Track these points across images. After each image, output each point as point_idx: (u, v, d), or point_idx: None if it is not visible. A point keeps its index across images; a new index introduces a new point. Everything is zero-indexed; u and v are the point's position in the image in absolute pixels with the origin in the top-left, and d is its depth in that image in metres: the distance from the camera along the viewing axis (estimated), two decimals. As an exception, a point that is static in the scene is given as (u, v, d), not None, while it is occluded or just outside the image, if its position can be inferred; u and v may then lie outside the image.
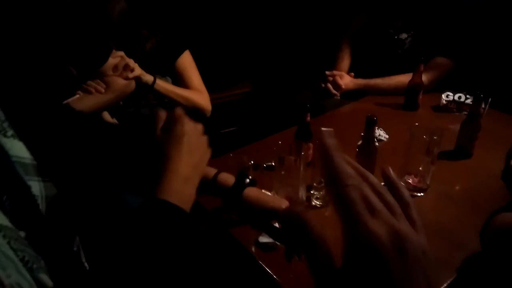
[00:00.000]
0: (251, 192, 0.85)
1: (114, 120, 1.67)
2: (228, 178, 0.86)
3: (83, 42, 1.34)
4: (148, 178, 0.64)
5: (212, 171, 0.85)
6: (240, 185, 0.85)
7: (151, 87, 1.58)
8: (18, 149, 0.59)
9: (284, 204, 0.83)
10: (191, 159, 0.66)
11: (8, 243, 0.48)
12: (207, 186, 0.84)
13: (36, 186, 0.60)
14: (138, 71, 1.51)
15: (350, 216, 0.33)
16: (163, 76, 1.73)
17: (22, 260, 0.49)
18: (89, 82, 1.38)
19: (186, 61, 1.74)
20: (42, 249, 0.55)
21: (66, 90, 1.37)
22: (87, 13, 1.47)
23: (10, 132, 0.59)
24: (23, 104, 0.67)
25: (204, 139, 0.73)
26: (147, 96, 1.67)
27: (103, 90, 1.38)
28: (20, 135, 0.61)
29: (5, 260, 0.46)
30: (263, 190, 1.20)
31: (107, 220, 1.39)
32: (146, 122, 0.74)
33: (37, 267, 0.51)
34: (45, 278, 0.51)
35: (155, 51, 1.69)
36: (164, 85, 1.64)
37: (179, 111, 0.70)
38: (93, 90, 1.36)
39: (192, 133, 0.69)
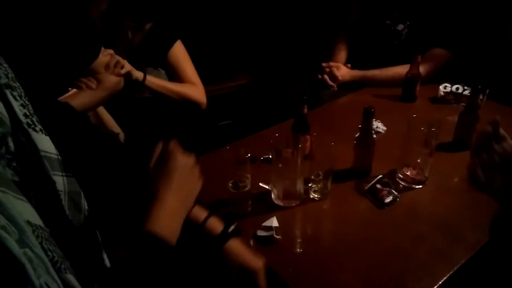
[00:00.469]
0: (233, 246, 0.86)
1: (110, 119, 1.64)
2: (215, 226, 0.86)
3: (73, 40, 1.32)
4: (137, 209, 0.66)
5: (202, 215, 0.85)
6: (224, 236, 0.85)
7: (141, 83, 1.57)
8: (46, 144, 0.60)
9: (261, 264, 0.85)
10: (180, 194, 0.69)
11: (40, 243, 0.49)
12: (195, 230, 0.84)
13: (60, 182, 0.61)
14: (128, 67, 1.49)
15: None
16: (155, 68, 1.70)
17: (51, 260, 0.50)
18: (81, 79, 1.36)
19: (179, 52, 1.71)
20: (65, 247, 0.56)
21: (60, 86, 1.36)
22: (75, 12, 1.45)
23: (38, 127, 0.60)
24: (45, 100, 0.69)
25: (195, 172, 0.76)
26: (141, 88, 1.65)
27: (94, 86, 1.37)
28: (46, 130, 0.62)
29: (37, 260, 0.46)
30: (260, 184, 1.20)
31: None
32: (141, 154, 0.77)
33: (64, 267, 0.52)
34: (71, 278, 0.52)
35: (146, 43, 1.67)
36: (155, 81, 1.61)
37: (172, 145, 0.74)
38: (84, 86, 1.35)
39: (183, 168, 0.72)
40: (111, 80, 1.42)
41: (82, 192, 0.66)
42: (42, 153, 0.58)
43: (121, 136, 1.66)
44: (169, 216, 0.66)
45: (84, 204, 0.66)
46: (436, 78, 1.83)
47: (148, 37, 1.67)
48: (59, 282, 0.49)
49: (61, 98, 1.33)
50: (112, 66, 1.43)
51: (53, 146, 0.61)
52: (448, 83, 1.73)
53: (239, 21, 2.67)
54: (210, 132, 2.03)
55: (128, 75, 1.50)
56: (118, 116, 1.67)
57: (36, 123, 0.60)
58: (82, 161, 0.75)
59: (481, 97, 1.60)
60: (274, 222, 1.07)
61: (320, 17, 2.60)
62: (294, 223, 1.14)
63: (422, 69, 1.74)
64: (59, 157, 0.61)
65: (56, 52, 1.34)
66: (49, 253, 0.49)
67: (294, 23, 2.71)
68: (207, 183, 1.27)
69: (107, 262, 0.69)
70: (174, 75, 1.72)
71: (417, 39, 1.86)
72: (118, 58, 1.46)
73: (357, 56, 2.04)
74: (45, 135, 0.60)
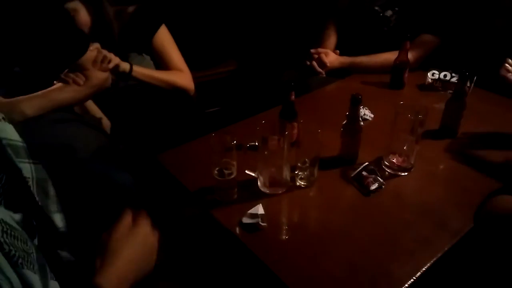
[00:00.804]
0: None
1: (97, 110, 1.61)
2: None
3: (61, 34, 1.28)
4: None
5: None
6: None
7: (128, 74, 1.54)
8: (9, 132, 0.60)
9: None
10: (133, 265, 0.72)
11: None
12: None
13: (27, 168, 0.60)
14: (115, 60, 1.46)
15: None
16: (139, 53, 1.66)
17: (7, 254, 0.49)
18: (68, 73, 1.33)
19: (164, 38, 1.67)
20: (33, 231, 0.56)
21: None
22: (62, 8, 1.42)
23: (1, 115, 0.60)
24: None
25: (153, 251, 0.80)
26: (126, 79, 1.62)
27: (81, 83, 1.33)
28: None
29: None
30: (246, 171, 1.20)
31: (95, 197, 1.38)
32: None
33: (22, 262, 0.51)
34: (29, 274, 0.51)
35: (129, 27, 1.63)
36: (141, 71, 1.58)
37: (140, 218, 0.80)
38: (71, 81, 1.32)
39: (144, 246, 0.78)
40: (99, 77, 1.38)
41: (49, 179, 0.65)
42: (5, 141, 0.58)
43: (107, 124, 1.64)
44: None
45: (52, 190, 0.65)
46: (424, 65, 1.82)
47: (131, 21, 1.63)
48: (15, 279, 0.48)
49: (45, 91, 1.30)
50: (99, 61, 1.39)
51: (17, 134, 0.61)
52: (436, 70, 1.73)
53: (227, 6, 2.63)
54: (198, 119, 2.01)
55: (115, 68, 1.47)
56: (104, 104, 1.64)
57: None
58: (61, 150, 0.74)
59: (468, 84, 1.60)
60: (259, 209, 1.07)
61: (309, 3, 2.57)
62: (280, 210, 1.14)
63: (410, 55, 1.73)
64: (24, 144, 0.61)
65: (44, 46, 1.30)
66: (5, 247, 0.49)
67: (283, 8, 2.68)
68: (193, 170, 1.27)
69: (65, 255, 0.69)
70: (160, 61, 1.69)
71: (406, 25, 1.85)
72: (105, 52, 1.42)
73: (346, 43, 2.03)
74: (8, 123, 0.60)
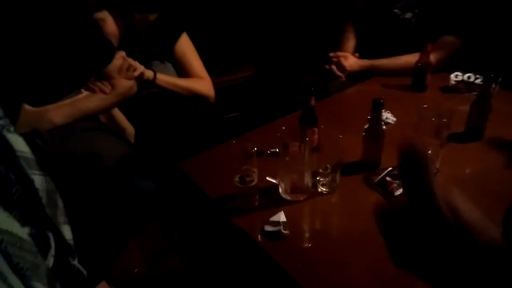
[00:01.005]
0: None
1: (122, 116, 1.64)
2: None
3: (88, 43, 1.31)
4: None
5: None
6: None
7: (152, 82, 1.55)
8: (20, 144, 0.60)
9: None
10: None
11: (5, 248, 0.48)
12: None
13: (38, 180, 0.61)
14: (140, 69, 1.48)
15: None
16: (161, 62, 1.68)
17: (15, 267, 0.48)
18: (95, 82, 1.35)
19: (185, 46, 1.68)
20: (47, 243, 0.56)
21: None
22: (89, 14, 1.44)
23: (12, 128, 0.60)
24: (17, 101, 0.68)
25: None
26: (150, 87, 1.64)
27: (107, 91, 1.36)
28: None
29: None
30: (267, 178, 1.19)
31: (120, 204, 1.40)
32: None
33: (30, 274, 0.51)
34: (38, 286, 0.51)
35: (151, 36, 1.65)
36: (164, 78, 1.60)
37: None
38: (97, 90, 1.34)
39: None
40: (125, 86, 1.41)
41: (57, 191, 0.66)
42: (18, 153, 0.59)
43: (132, 132, 1.66)
44: None
45: (60, 202, 0.66)
46: (447, 67, 1.79)
47: (153, 29, 1.65)
48: None
49: (72, 100, 1.34)
50: (125, 70, 1.41)
51: (26, 146, 0.61)
52: (460, 72, 1.69)
53: (246, 11, 2.64)
54: (217, 125, 2.02)
55: (140, 76, 1.49)
56: (127, 112, 1.66)
57: (9, 124, 0.60)
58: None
59: (493, 85, 1.56)
60: (281, 217, 1.06)
61: (327, 6, 2.55)
62: (302, 217, 1.13)
63: (432, 57, 1.70)
64: (33, 156, 0.62)
65: (71, 55, 1.33)
66: (14, 259, 0.48)
67: (301, 12, 2.67)
68: (214, 177, 1.27)
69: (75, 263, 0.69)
70: (181, 69, 1.70)
71: (426, 27, 1.82)
72: (130, 61, 1.45)
73: (365, 46, 2.00)
74: (18, 135, 0.61)
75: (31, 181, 0.59)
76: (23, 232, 0.52)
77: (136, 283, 1.72)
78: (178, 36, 1.66)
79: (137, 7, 1.62)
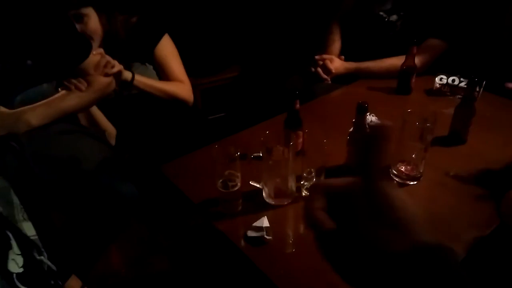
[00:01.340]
0: None
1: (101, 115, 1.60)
2: None
3: (63, 38, 1.27)
4: None
5: None
6: None
7: (130, 83, 1.53)
8: None
9: None
10: None
11: None
12: None
13: None
14: (118, 67, 1.45)
15: None
16: (142, 63, 1.65)
17: None
18: (70, 79, 1.32)
19: (166, 48, 1.66)
20: (7, 241, 0.55)
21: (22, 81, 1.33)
22: (65, 9, 1.41)
23: None
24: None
25: None
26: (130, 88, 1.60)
27: (83, 88, 1.32)
28: None
29: None
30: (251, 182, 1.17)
31: (100, 207, 1.37)
32: None
33: None
34: None
35: (132, 37, 1.62)
36: (143, 80, 1.57)
37: None
38: (73, 88, 1.31)
39: None
40: (102, 82, 1.37)
41: (11, 188, 0.63)
42: None
43: (113, 133, 1.63)
44: None
45: (16, 199, 0.63)
46: (432, 70, 1.79)
47: (134, 31, 1.62)
48: None
49: (48, 100, 1.30)
50: (102, 66, 1.38)
51: None
52: (444, 75, 1.69)
53: (231, 12, 2.62)
54: (202, 126, 2.00)
55: (118, 75, 1.46)
56: (109, 113, 1.63)
57: None
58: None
59: (477, 89, 1.57)
60: (264, 222, 1.04)
61: (313, 8, 2.55)
62: (286, 222, 1.11)
63: (417, 60, 1.70)
64: None
65: (46, 50, 1.30)
66: None
67: (287, 14, 2.66)
68: (197, 181, 1.25)
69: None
70: (161, 72, 1.68)
71: (412, 30, 1.82)
72: (108, 58, 1.42)
73: (351, 48, 2.00)
74: None
75: None
76: None
77: (119, 286, 1.69)
78: (159, 38, 1.64)
79: (120, 8, 1.59)
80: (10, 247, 0.58)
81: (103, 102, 1.55)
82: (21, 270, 0.60)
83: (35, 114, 1.23)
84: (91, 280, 1.40)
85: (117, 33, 1.56)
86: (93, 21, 1.50)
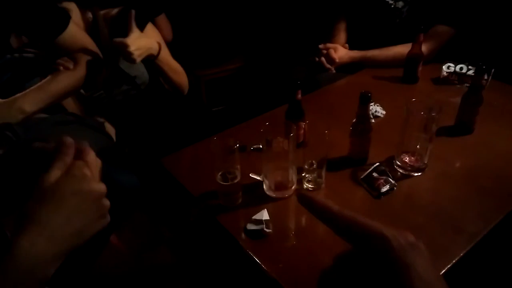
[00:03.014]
0: None
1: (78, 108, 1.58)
2: None
3: (39, 10, 1.25)
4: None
5: None
6: None
7: (154, 58, 1.48)
8: None
9: None
10: (70, 226, 0.57)
11: None
12: None
13: None
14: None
15: None
16: None
17: None
18: (57, 61, 1.31)
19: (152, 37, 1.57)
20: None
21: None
22: None
23: None
24: None
25: (102, 207, 0.63)
26: (119, 84, 1.57)
27: (71, 66, 1.31)
28: None
29: None
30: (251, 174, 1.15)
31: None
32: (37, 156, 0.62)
33: None
34: None
35: (114, 30, 1.57)
36: (165, 56, 1.53)
37: (86, 150, 0.61)
38: (61, 68, 1.29)
39: (89, 196, 0.60)
40: (88, 56, 1.36)
41: None
42: None
43: (111, 130, 1.61)
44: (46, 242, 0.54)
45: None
46: (439, 58, 1.75)
47: (115, 23, 1.57)
48: None
49: (39, 84, 1.28)
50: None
51: None
52: (452, 63, 1.65)
53: (235, 2, 2.59)
54: (206, 118, 1.98)
55: (146, 51, 1.43)
56: (108, 109, 1.61)
57: None
58: None
59: (486, 77, 1.53)
60: (264, 215, 1.03)
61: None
62: (286, 215, 1.10)
63: (424, 47, 1.65)
64: None
65: (25, 20, 1.28)
66: None
67: (291, 3, 2.62)
68: (197, 174, 1.23)
69: None
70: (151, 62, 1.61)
71: (418, 17, 1.77)
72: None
73: (357, 37, 1.96)
74: None
75: None
76: None
77: (122, 278, 1.69)
78: (141, 28, 1.56)
79: (100, 3, 1.55)
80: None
81: (97, 104, 1.53)
82: None
83: (27, 99, 1.22)
84: (94, 271, 1.40)
85: (100, 28, 1.52)
86: (74, 16, 1.47)
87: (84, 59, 1.34)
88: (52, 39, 1.29)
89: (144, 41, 1.42)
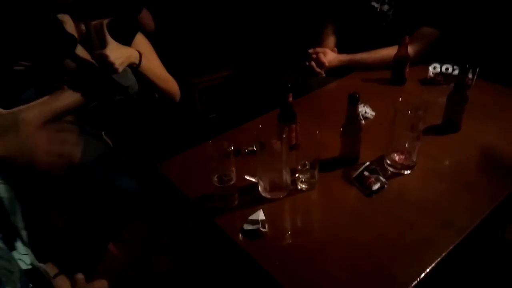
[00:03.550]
0: None
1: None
2: None
3: (49, 34, 1.28)
4: None
5: None
6: None
7: (136, 67, 1.50)
8: None
9: None
10: None
11: None
12: None
13: (1, 189, 0.62)
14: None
15: None
16: None
17: None
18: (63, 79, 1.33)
19: (141, 48, 1.57)
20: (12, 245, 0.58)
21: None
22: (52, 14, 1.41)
23: None
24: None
25: None
26: (113, 95, 1.58)
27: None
28: None
29: None
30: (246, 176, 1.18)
31: (100, 202, 1.39)
32: None
33: (5, 280, 0.51)
34: None
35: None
36: (148, 64, 1.53)
37: None
38: (66, 86, 1.32)
39: None
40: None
41: (15, 198, 0.66)
42: None
43: (108, 140, 1.63)
44: None
45: (19, 208, 0.65)
46: (426, 59, 1.79)
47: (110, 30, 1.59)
48: None
49: (44, 99, 1.32)
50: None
51: None
52: (438, 64, 1.70)
53: (225, 9, 2.63)
54: (200, 125, 2.01)
55: (126, 60, 1.44)
56: (104, 118, 1.62)
57: None
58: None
59: (470, 76, 1.58)
60: (260, 215, 1.06)
61: (307, 3, 2.55)
62: (282, 215, 1.13)
63: (410, 49, 1.70)
64: None
65: (33, 45, 1.31)
66: None
67: (281, 9, 2.66)
68: (193, 178, 1.26)
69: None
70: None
71: (404, 19, 1.82)
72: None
73: (345, 40, 2.00)
74: None
75: None
76: None
77: (121, 286, 1.71)
78: (131, 38, 1.59)
79: (93, 15, 1.57)
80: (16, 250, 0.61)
81: (98, 107, 1.56)
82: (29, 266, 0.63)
83: (31, 112, 1.25)
84: (93, 280, 1.41)
85: (93, 40, 1.54)
86: (69, 28, 1.49)
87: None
88: (60, 62, 1.32)
89: (122, 50, 1.43)
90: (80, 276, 0.75)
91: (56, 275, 0.86)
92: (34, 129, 1.18)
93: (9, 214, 0.61)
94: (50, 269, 0.87)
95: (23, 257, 0.63)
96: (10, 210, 0.62)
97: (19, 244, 0.63)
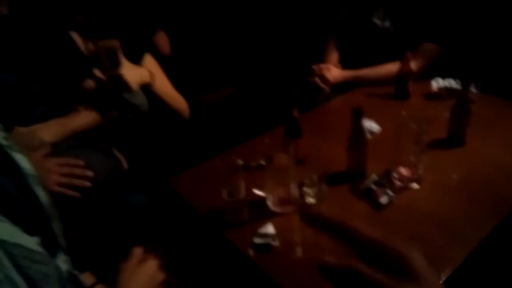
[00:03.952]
0: None
1: None
2: None
3: (66, 57, 1.32)
4: None
5: None
6: None
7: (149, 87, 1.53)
8: (25, 162, 0.62)
9: None
10: None
11: (16, 262, 0.50)
12: None
13: (42, 195, 0.63)
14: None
15: None
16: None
17: (27, 279, 0.51)
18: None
19: (150, 67, 1.58)
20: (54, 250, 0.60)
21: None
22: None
23: (16, 147, 0.63)
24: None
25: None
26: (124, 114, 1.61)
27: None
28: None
29: (6, 281, 0.48)
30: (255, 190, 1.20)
31: (111, 218, 1.41)
32: None
33: (42, 284, 0.53)
34: None
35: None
36: (161, 84, 1.57)
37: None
38: (82, 108, 1.36)
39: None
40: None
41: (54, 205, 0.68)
42: (25, 170, 0.61)
43: (124, 163, 1.65)
44: None
45: (56, 214, 0.68)
46: (430, 74, 1.82)
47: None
48: None
49: (61, 119, 1.35)
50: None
51: (28, 163, 0.63)
52: (441, 78, 1.72)
53: (230, 26, 2.68)
54: (208, 141, 2.02)
55: (140, 80, 1.46)
56: (115, 137, 1.65)
57: (13, 144, 0.62)
58: None
59: (473, 90, 1.60)
60: (269, 228, 1.07)
61: (310, 20, 2.60)
62: (291, 229, 1.13)
63: (413, 65, 1.73)
64: (34, 173, 0.64)
65: (50, 68, 1.35)
66: (26, 271, 0.50)
67: (285, 27, 2.71)
68: (203, 193, 1.28)
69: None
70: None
71: (406, 35, 1.85)
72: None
73: (348, 56, 2.04)
74: (21, 154, 0.63)
75: (36, 197, 0.61)
76: (33, 242, 0.54)
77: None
78: (139, 59, 1.59)
79: (101, 35, 1.60)
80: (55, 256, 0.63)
81: (109, 126, 1.58)
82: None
83: (48, 131, 1.30)
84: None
85: (102, 59, 1.56)
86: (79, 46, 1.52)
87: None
88: (79, 83, 1.35)
89: (136, 70, 1.47)
90: None
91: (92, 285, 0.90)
92: (42, 159, 1.23)
93: (50, 220, 0.64)
94: (87, 278, 0.91)
95: (62, 263, 0.66)
96: (51, 217, 0.65)
97: (59, 250, 0.66)
